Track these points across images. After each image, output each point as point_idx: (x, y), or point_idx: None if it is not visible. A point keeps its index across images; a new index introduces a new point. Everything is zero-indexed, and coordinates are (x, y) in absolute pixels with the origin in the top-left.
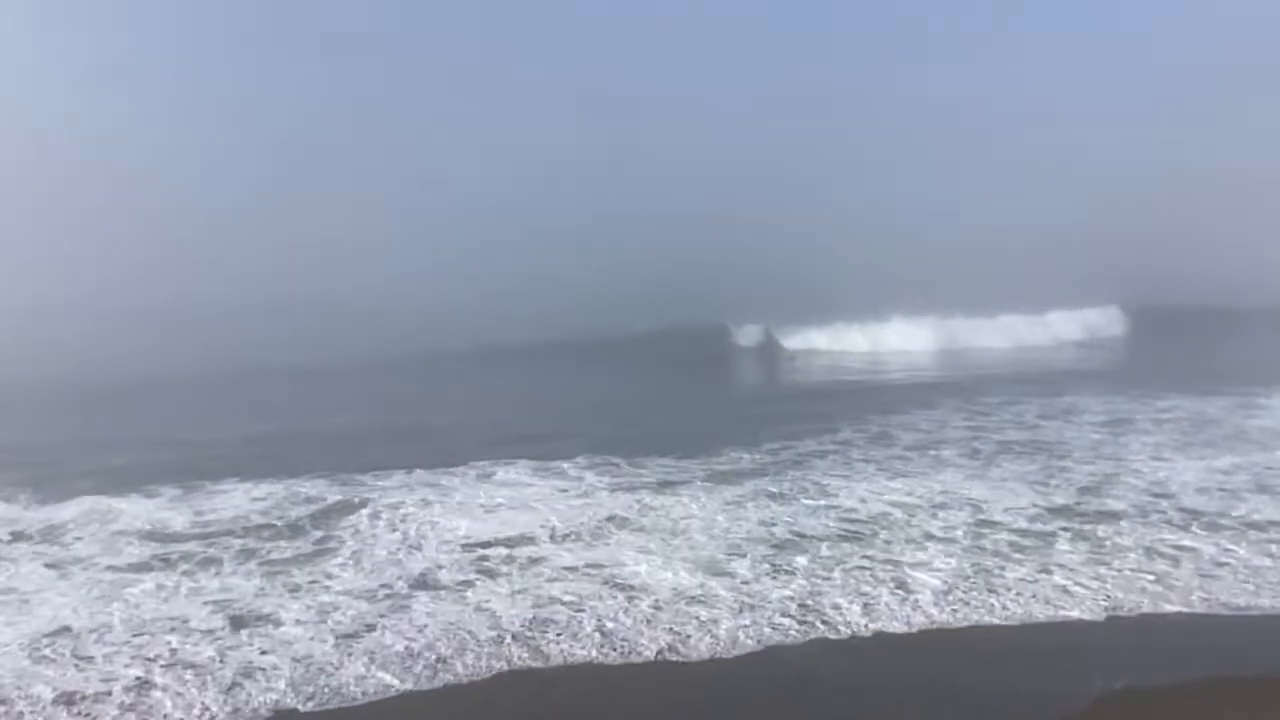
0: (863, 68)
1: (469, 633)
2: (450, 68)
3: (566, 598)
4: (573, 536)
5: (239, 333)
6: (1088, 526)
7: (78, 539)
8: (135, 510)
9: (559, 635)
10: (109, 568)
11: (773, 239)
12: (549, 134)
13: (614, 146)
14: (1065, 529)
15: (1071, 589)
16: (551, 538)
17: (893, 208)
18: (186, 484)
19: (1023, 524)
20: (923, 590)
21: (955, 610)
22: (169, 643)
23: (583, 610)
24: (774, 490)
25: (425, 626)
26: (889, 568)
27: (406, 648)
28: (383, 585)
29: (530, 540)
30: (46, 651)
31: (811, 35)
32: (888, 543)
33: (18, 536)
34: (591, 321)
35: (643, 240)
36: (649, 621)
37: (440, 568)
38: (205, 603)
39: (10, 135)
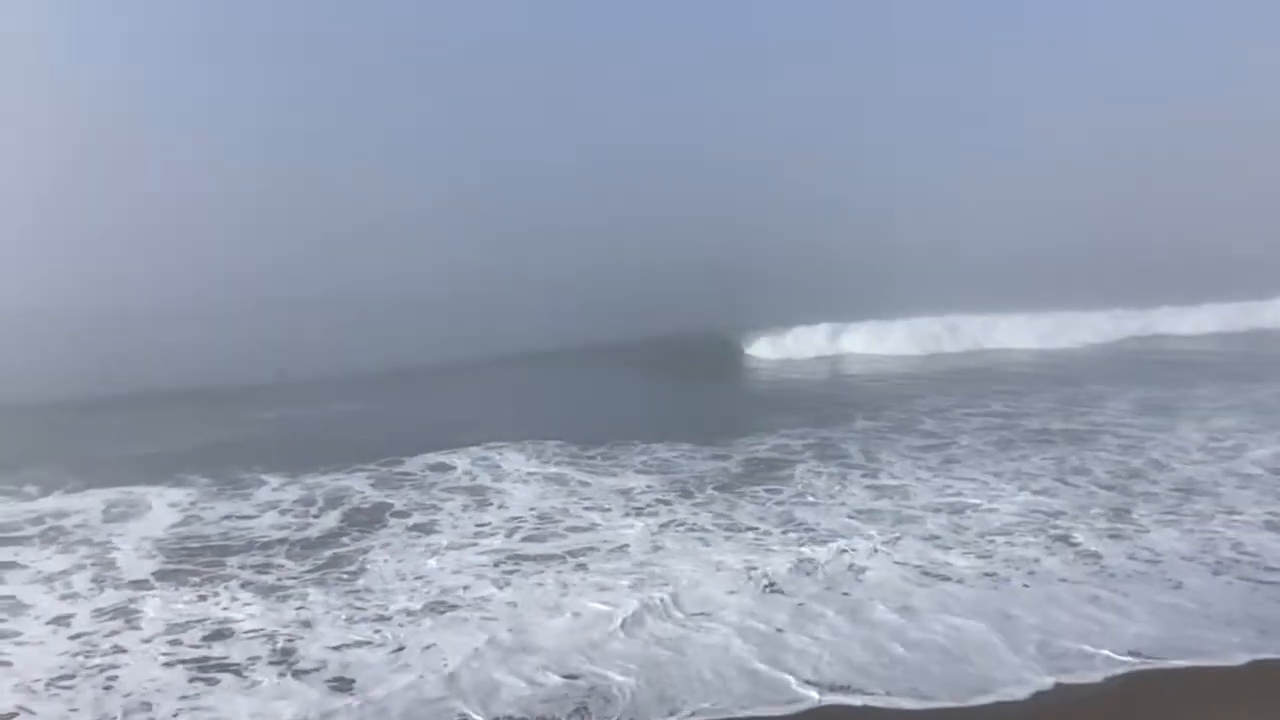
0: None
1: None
2: (445, 67)
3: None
4: (621, 551)
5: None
6: None
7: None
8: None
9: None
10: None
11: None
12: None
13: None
14: None
15: None
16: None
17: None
18: (216, 473)
19: None
20: None
21: None
22: None
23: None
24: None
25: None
26: None
27: None
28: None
29: (588, 550)
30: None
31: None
32: None
33: (20, 541)
34: (590, 327)
35: (645, 244)
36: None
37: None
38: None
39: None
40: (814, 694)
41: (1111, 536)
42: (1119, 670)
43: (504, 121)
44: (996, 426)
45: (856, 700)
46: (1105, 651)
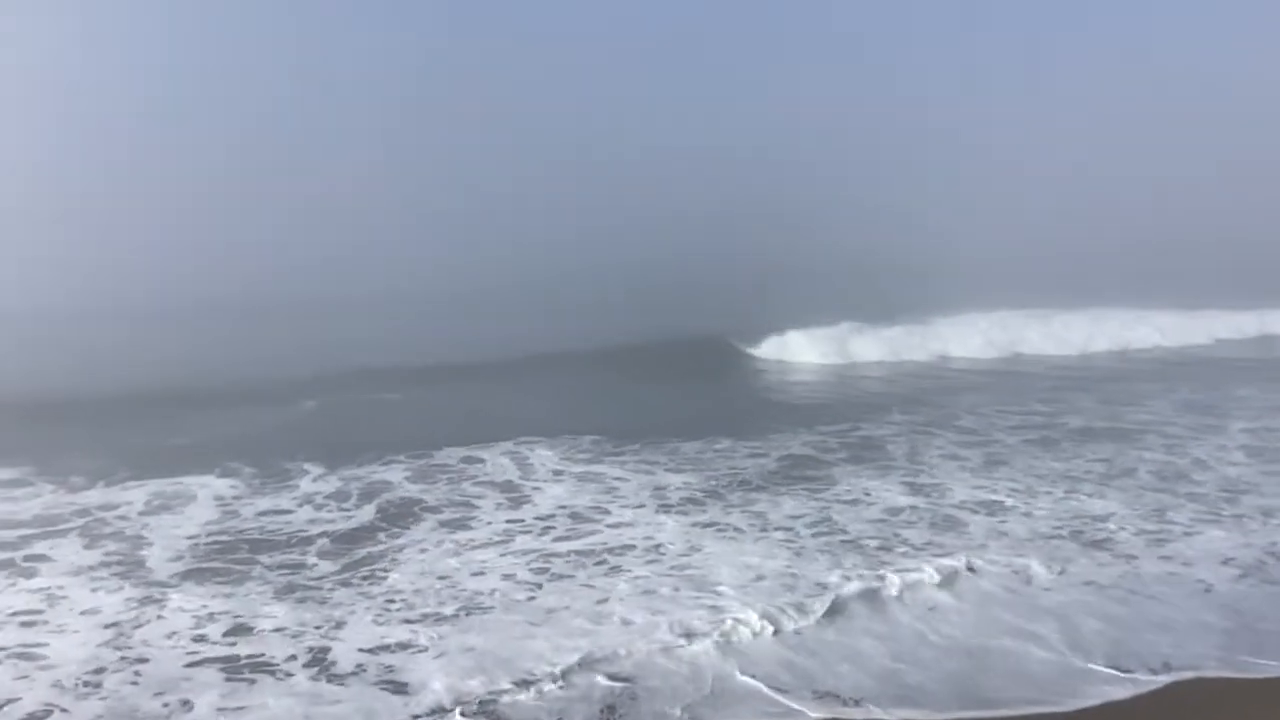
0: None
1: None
2: (448, 63)
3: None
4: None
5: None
6: None
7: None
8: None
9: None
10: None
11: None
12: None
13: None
14: None
15: None
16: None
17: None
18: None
19: None
20: None
21: None
22: None
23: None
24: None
25: None
26: None
27: None
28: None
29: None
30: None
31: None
32: None
33: (61, 534)
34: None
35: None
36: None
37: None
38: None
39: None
40: (834, 705)
41: (1155, 540)
42: (1158, 681)
43: (538, 123)
44: (1038, 425)
45: (877, 714)
46: (1145, 661)
